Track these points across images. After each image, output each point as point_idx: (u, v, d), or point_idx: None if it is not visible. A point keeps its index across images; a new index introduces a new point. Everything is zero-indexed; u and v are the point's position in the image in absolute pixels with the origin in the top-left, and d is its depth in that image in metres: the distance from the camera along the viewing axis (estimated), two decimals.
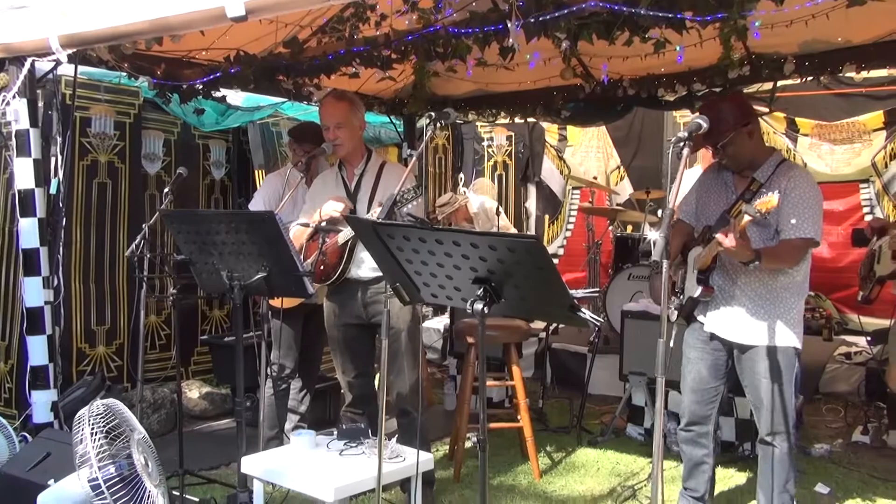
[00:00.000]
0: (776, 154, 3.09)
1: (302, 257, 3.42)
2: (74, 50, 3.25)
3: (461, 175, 8.38)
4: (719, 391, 3.18)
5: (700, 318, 3.13)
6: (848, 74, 4.76)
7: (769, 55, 4.23)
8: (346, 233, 3.38)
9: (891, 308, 4.06)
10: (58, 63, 3.49)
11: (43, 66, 3.72)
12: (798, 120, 6.79)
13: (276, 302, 3.88)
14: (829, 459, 4.27)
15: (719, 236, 2.71)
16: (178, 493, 3.50)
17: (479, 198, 7.36)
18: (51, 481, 2.75)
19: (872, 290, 3.83)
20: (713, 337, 3.10)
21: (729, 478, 3.99)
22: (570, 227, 8.32)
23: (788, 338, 2.98)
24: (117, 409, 2.63)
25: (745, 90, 5.28)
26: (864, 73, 4.80)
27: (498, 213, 6.69)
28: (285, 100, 5.21)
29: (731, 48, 4.07)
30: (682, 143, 2.31)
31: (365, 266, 3.40)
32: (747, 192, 2.98)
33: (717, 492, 3.72)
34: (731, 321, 3.03)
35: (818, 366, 5.59)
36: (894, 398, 4.50)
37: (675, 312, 3.14)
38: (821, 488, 3.79)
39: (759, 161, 3.02)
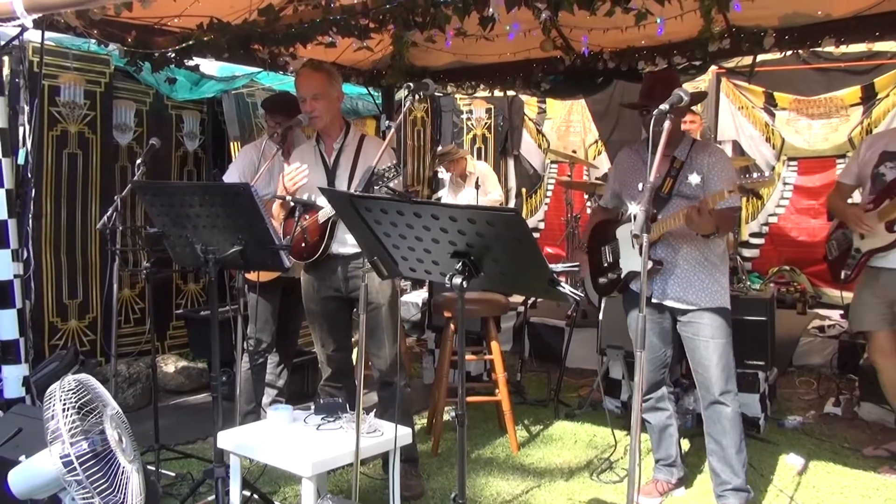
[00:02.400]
0: (688, 135, 3.35)
1: (282, 235, 3.37)
2: (40, 15, 3.14)
3: (440, 148, 8.32)
4: (668, 355, 3.40)
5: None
6: (826, 49, 4.76)
7: (749, 28, 4.20)
8: (325, 211, 3.33)
9: None
10: (23, 29, 3.38)
11: (8, 31, 3.61)
12: (776, 94, 6.81)
13: (252, 276, 3.84)
14: (802, 431, 4.34)
15: (691, 211, 2.89)
16: (153, 468, 3.47)
17: (483, 165, 7.36)
18: (22, 457, 2.70)
19: (857, 267, 3.79)
20: (659, 306, 3.26)
21: (705, 448, 4.03)
22: (548, 200, 8.32)
23: (725, 300, 3.21)
24: (89, 384, 2.58)
25: (725, 64, 5.29)
26: (842, 48, 4.80)
27: (477, 187, 6.65)
28: (261, 69, 5.11)
29: (711, 21, 4.04)
30: (663, 116, 2.29)
31: (347, 242, 3.36)
32: (672, 169, 3.18)
33: (694, 461, 3.78)
34: (676, 289, 3.21)
35: (792, 339, 5.67)
36: (866, 370, 4.57)
37: (607, 286, 3.43)
38: (793, 459, 3.85)
39: (676, 139, 3.22)
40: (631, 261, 3.32)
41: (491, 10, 3.11)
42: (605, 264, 3.43)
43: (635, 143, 3.55)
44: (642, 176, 3.18)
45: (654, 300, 3.24)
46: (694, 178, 3.15)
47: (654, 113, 2.24)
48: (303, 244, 3.41)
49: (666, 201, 3.17)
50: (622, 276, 3.35)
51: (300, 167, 3.26)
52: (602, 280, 3.45)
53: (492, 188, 7.11)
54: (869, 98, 6.36)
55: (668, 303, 3.23)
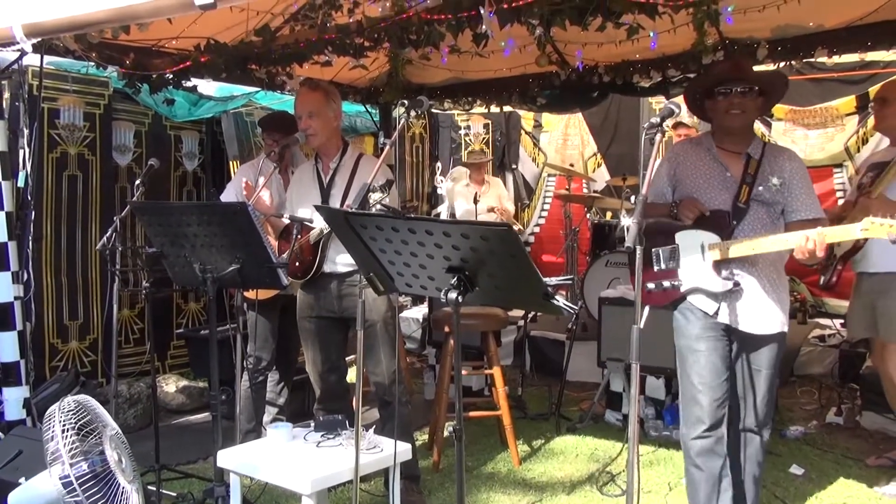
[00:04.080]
0: (756, 135, 2.97)
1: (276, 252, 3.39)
2: (39, 39, 3.18)
3: (438, 164, 8.36)
4: (730, 383, 2.87)
5: (707, 307, 2.82)
6: (820, 59, 4.80)
7: (743, 40, 4.24)
8: (315, 232, 3.35)
9: None
10: (23, 53, 3.42)
11: (8, 56, 3.65)
12: None
13: (251, 294, 3.85)
14: (804, 441, 4.33)
15: (810, 245, 2.45)
16: (154, 489, 3.47)
17: (498, 180, 7.50)
18: (22, 479, 2.71)
19: (834, 272, 3.78)
20: (727, 327, 2.83)
21: None
22: (545, 213, 8.34)
23: (787, 322, 2.88)
24: (89, 405, 2.60)
25: None
26: (835, 58, 4.83)
27: (476, 202, 6.67)
28: (258, 89, 5.15)
29: (704, 33, 4.08)
30: (655, 129, 2.29)
31: (340, 261, 3.38)
32: (747, 175, 2.79)
33: None
34: (750, 311, 2.79)
35: (793, 349, 5.66)
36: (867, 379, 4.57)
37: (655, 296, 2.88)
38: (795, 469, 3.84)
39: (748, 137, 2.88)
40: (696, 274, 2.80)
41: (484, 27, 3.14)
42: (657, 269, 2.90)
43: (692, 137, 3.07)
44: (712, 176, 2.85)
45: (720, 321, 2.81)
46: (775, 181, 2.78)
47: (645, 126, 2.23)
48: (297, 263, 3.43)
49: (745, 212, 2.77)
50: (680, 287, 2.84)
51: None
52: (650, 286, 2.87)
53: (506, 201, 7.21)
54: (864, 107, 6.38)
55: (742, 327, 2.80)
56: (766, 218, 2.80)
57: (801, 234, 2.48)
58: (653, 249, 2.90)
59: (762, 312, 2.79)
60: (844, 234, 2.47)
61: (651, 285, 2.86)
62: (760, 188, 2.78)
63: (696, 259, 2.81)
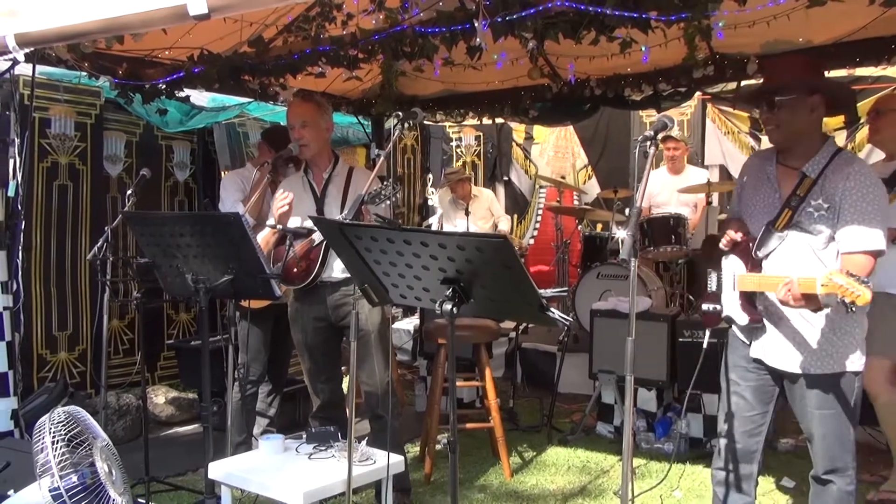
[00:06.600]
0: (830, 142, 2.52)
1: (272, 261, 3.38)
2: (31, 49, 3.17)
3: (430, 175, 8.38)
4: (766, 419, 2.70)
5: (742, 337, 2.72)
6: None
7: (733, 55, 4.28)
8: (320, 234, 3.34)
9: None
10: (15, 62, 3.41)
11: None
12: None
13: (244, 302, 3.83)
14: (794, 454, 4.33)
15: (783, 295, 2.32)
16: (143, 501, 3.44)
17: (489, 192, 7.49)
18: (10, 492, 2.68)
19: None
20: (759, 360, 2.68)
21: (698, 473, 4.02)
22: (538, 225, 8.37)
23: (848, 361, 2.50)
24: (79, 416, 2.57)
25: (709, 90, 5.36)
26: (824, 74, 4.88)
27: (468, 213, 6.69)
28: (251, 100, 5.15)
29: (695, 48, 4.12)
30: (647, 142, 2.29)
31: (335, 268, 3.37)
32: (794, 196, 2.47)
33: (689, 484, 3.76)
34: (779, 346, 2.58)
35: None
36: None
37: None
38: (786, 482, 3.84)
39: (811, 149, 2.49)
40: (729, 303, 2.68)
41: (478, 39, 3.16)
42: (710, 291, 2.77)
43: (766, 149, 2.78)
44: (762, 195, 2.62)
45: (751, 355, 2.67)
46: (819, 206, 2.43)
47: (638, 139, 2.22)
48: (295, 269, 3.42)
49: (778, 239, 2.52)
50: (721, 314, 2.71)
51: (284, 194, 3.29)
52: (705, 307, 2.74)
53: (501, 213, 7.22)
54: (852, 122, 6.43)
55: (770, 363, 2.62)
56: (805, 248, 2.47)
57: (783, 280, 2.33)
58: (708, 269, 2.78)
59: (796, 348, 2.54)
60: (809, 285, 2.24)
61: (705, 306, 2.74)
62: (803, 213, 2.46)
63: (729, 287, 2.68)
